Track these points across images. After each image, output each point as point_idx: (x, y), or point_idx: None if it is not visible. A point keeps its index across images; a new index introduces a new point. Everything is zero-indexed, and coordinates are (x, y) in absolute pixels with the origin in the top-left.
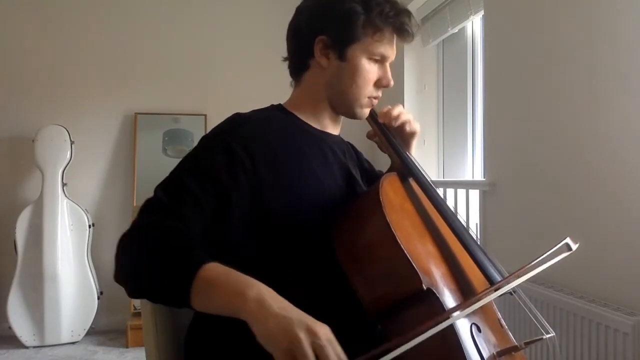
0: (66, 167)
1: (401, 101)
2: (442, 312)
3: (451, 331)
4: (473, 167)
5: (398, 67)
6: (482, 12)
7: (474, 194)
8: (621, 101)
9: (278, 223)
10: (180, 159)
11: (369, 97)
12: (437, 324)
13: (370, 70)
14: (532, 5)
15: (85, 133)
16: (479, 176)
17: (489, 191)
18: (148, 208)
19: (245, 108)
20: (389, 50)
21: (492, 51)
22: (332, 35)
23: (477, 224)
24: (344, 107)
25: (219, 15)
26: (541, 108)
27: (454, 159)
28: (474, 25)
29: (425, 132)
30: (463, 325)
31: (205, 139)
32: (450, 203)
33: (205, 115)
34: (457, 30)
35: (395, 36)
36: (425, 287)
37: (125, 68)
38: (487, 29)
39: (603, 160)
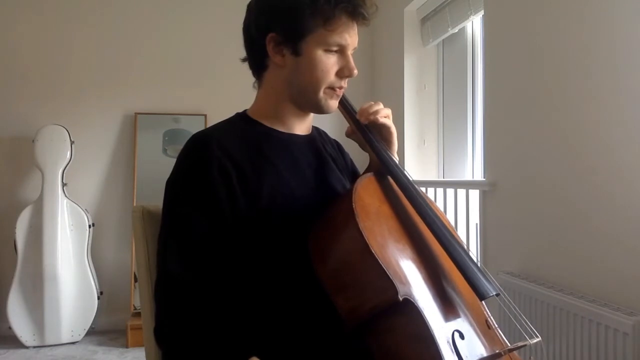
0: (66, 167)
1: (401, 101)
2: (420, 321)
3: (432, 346)
4: (473, 167)
5: (398, 67)
6: (482, 12)
7: (474, 194)
8: (621, 101)
9: (253, 238)
10: (163, 216)
11: (331, 88)
12: None
13: (328, 62)
14: (532, 6)
15: (85, 133)
16: (479, 176)
17: (489, 191)
18: (166, 293)
19: (245, 108)
20: (347, 38)
21: (492, 51)
22: (282, 32)
23: (477, 224)
24: (307, 103)
25: (219, 15)
26: (541, 108)
27: (454, 159)
28: (474, 25)
29: (425, 132)
30: (444, 335)
31: (173, 186)
32: (450, 203)
33: (205, 115)
34: (457, 30)
35: (352, 21)
36: (401, 298)
37: (126, 68)
38: (487, 29)
39: (603, 160)
